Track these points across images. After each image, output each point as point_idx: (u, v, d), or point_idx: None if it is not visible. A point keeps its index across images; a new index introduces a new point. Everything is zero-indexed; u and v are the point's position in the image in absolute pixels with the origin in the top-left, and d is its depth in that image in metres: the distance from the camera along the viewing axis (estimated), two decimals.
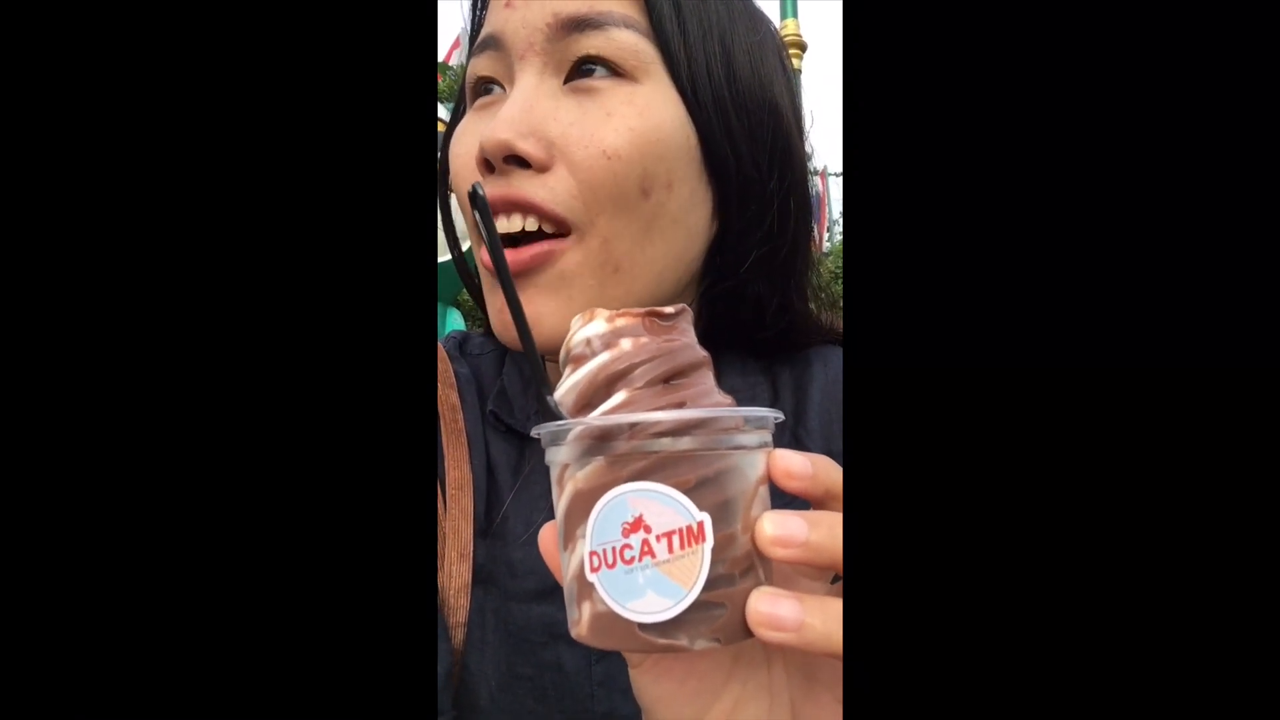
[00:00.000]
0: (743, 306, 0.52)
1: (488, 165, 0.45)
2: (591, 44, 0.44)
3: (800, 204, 0.51)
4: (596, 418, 0.30)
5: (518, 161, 0.44)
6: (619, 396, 0.30)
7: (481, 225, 0.33)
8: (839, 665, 0.29)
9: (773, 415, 0.31)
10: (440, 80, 3.92)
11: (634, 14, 0.45)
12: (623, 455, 0.29)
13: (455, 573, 0.48)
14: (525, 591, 0.48)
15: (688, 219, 0.47)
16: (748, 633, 0.29)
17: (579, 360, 0.32)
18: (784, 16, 3.36)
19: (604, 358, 0.31)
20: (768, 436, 0.31)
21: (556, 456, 0.31)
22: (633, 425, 0.29)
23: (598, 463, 0.29)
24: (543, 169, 0.44)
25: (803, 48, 3.46)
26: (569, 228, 0.45)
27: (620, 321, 0.32)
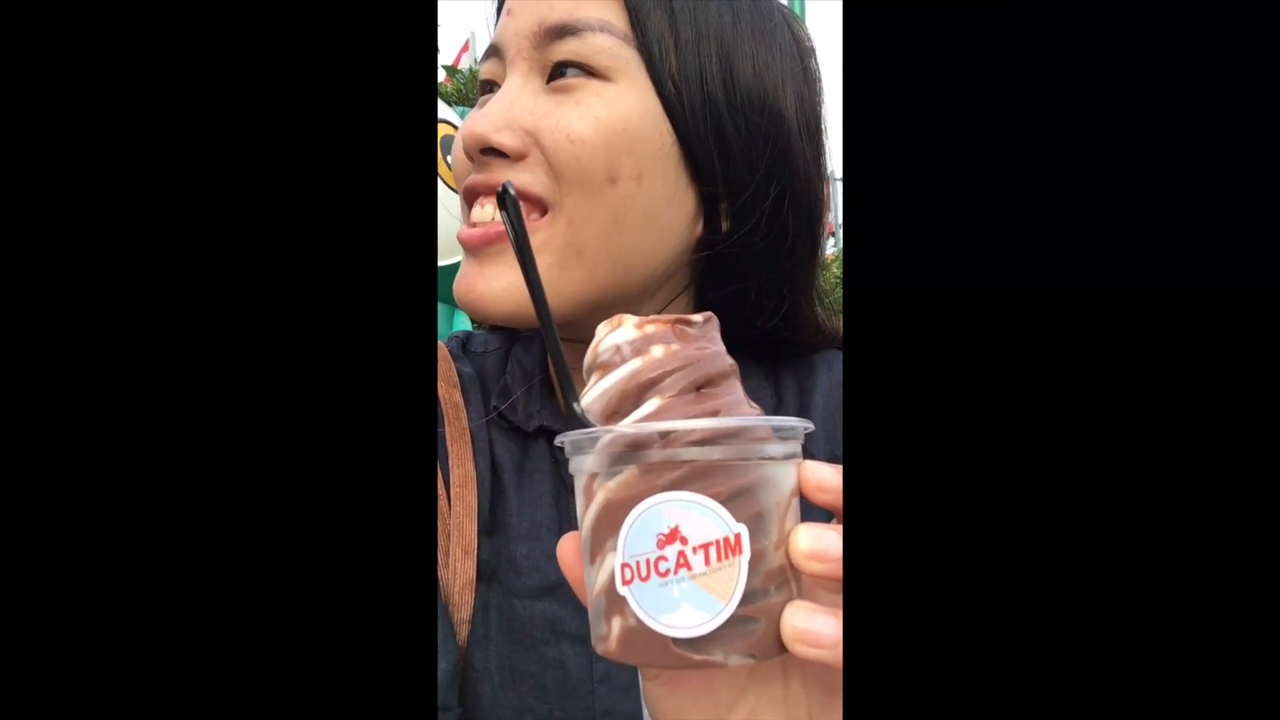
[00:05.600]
0: (738, 310, 0.52)
1: (470, 156, 0.48)
2: (568, 49, 0.46)
3: (801, 210, 0.51)
4: (627, 425, 0.29)
5: (495, 153, 0.47)
6: (651, 404, 0.30)
7: (511, 225, 0.33)
8: None
9: (802, 426, 0.30)
10: (448, 83, 3.93)
11: (614, 19, 0.47)
12: (656, 465, 0.28)
13: (460, 570, 0.49)
14: (529, 588, 0.49)
15: (662, 216, 0.48)
16: (781, 648, 0.28)
17: (607, 367, 0.31)
18: None
19: (635, 364, 0.30)
20: (798, 448, 0.31)
21: (583, 465, 0.30)
22: (665, 434, 0.28)
23: (629, 472, 0.29)
24: (519, 157, 0.46)
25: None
26: (545, 208, 0.46)
27: (650, 328, 0.31)
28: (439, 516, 0.49)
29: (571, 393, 0.32)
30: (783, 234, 0.50)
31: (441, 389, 0.55)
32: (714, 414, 0.29)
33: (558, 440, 0.31)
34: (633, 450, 0.28)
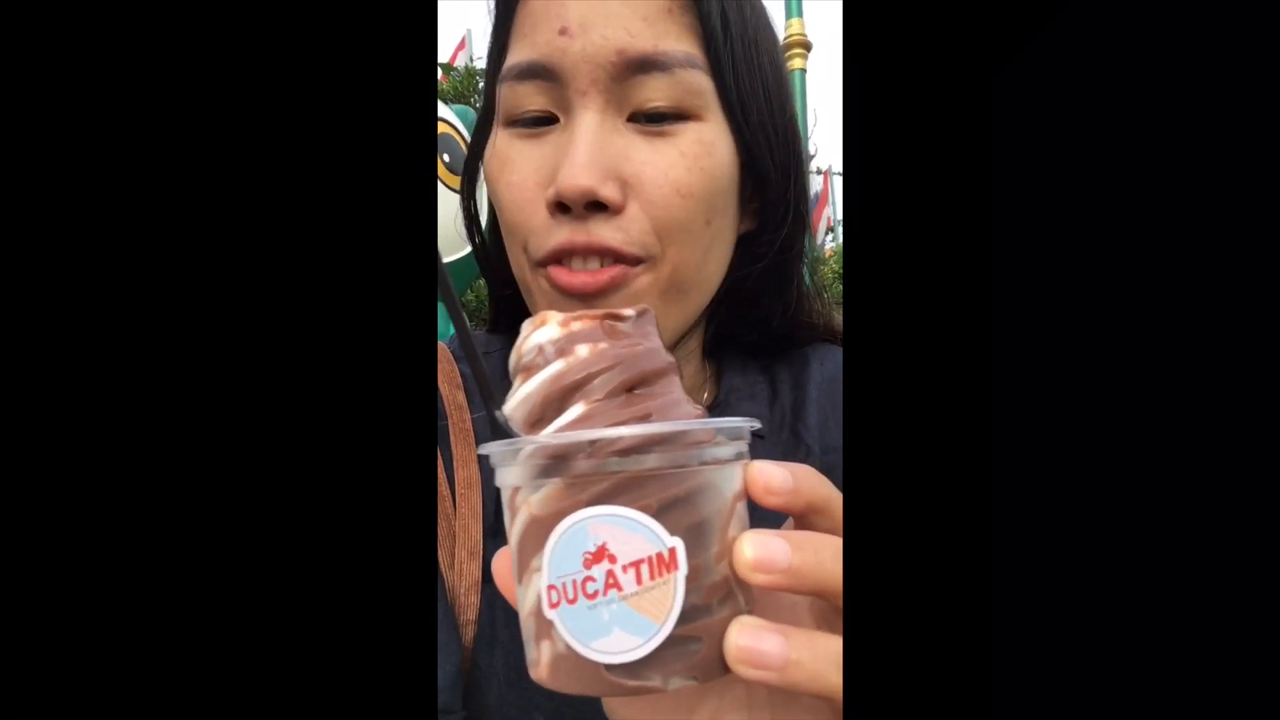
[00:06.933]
0: (748, 306, 0.53)
1: (561, 208, 0.44)
2: (658, 88, 0.44)
3: (799, 204, 0.53)
4: (551, 435, 0.27)
5: (596, 205, 0.44)
6: (576, 410, 0.27)
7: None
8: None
9: (748, 425, 0.28)
10: (444, 80, 3.92)
11: (694, 49, 0.45)
12: (582, 477, 0.26)
13: (465, 571, 0.48)
14: None
15: (728, 234, 0.50)
16: (726, 668, 0.26)
17: (530, 370, 0.29)
18: (789, 16, 3.38)
19: (558, 366, 0.28)
20: (744, 447, 0.28)
21: (506, 479, 0.28)
22: (592, 442, 0.25)
23: (554, 485, 0.26)
24: (618, 210, 0.44)
25: (808, 47, 3.48)
26: (640, 260, 0.45)
27: (575, 325, 0.28)
28: (444, 518, 0.49)
29: (493, 400, 0.29)
30: (788, 229, 0.52)
31: (444, 390, 0.54)
32: (646, 417, 0.27)
33: (480, 450, 0.29)
34: (557, 462, 0.26)
